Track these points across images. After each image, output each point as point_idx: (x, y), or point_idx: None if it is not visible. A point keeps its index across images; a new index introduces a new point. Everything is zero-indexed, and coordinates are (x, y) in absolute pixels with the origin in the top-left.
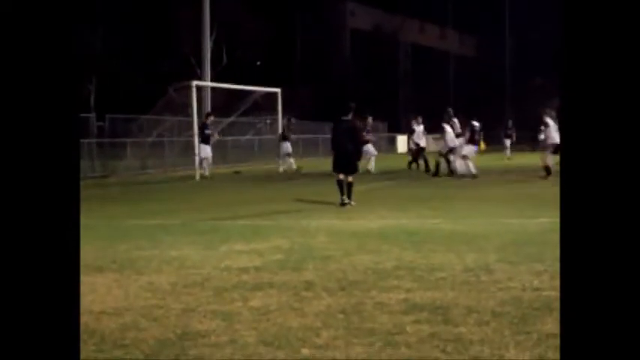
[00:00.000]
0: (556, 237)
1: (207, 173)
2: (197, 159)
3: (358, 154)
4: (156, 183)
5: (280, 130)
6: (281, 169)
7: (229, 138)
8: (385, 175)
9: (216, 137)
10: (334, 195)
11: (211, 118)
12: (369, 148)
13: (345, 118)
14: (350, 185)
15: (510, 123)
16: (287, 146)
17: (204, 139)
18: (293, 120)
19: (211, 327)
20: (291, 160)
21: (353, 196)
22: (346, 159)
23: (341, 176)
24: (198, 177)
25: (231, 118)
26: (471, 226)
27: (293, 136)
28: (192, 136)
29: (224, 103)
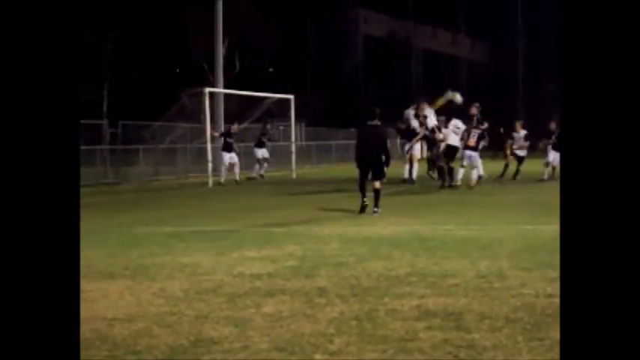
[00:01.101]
0: None
1: (223, 180)
2: (210, 165)
3: (387, 160)
4: (168, 190)
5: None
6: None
7: (242, 145)
8: (397, 181)
9: (236, 150)
10: (346, 201)
11: (236, 126)
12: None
13: (371, 123)
14: (377, 192)
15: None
16: (262, 152)
17: (225, 147)
18: (269, 126)
19: (224, 333)
20: (262, 166)
21: (380, 204)
22: (373, 165)
23: (365, 181)
24: (211, 183)
25: (245, 125)
26: (483, 232)
27: (269, 143)
28: (205, 143)
29: (237, 110)
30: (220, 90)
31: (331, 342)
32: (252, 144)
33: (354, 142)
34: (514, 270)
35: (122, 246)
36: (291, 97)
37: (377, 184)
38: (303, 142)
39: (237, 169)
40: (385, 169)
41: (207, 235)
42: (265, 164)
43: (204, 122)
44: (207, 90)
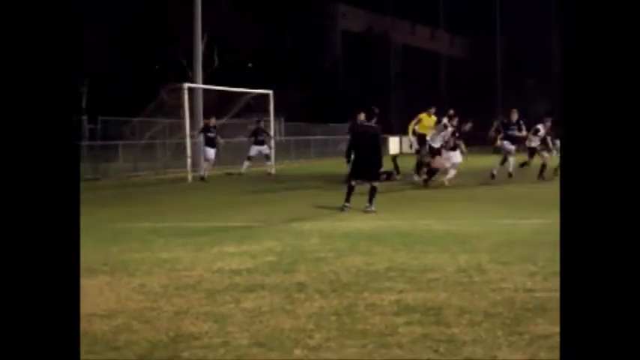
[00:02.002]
0: (548, 238)
1: (206, 175)
2: (189, 161)
3: (380, 162)
4: (148, 185)
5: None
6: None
7: (221, 140)
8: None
9: (221, 142)
10: (326, 197)
11: (213, 120)
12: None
13: (367, 123)
14: (374, 190)
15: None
16: (262, 149)
17: (208, 142)
18: (262, 123)
19: (204, 329)
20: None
21: (374, 202)
22: (367, 166)
23: (353, 182)
24: (190, 179)
25: (224, 120)
26: (463, 226)
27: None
28: (184, 138)
29: (216, 105)
30: (199, 85)
31: (311, 337)
32: (231, 140)
33: (332, 137)
34: (493, 264)
35: (101, 242)
36: (269, 92)
37: (375, 183)
38: (282, 138)
39: (207, 166)
40: (380, 170)
41: (187, 230)
42: (269, 162)
43: (183, 118)
44: (186, 85)
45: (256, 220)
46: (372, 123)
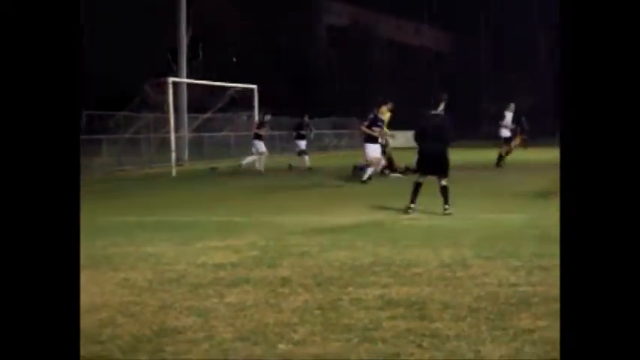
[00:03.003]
0: (531, 232)
1: (262, 168)
2: (173, 155)
3: (446, 155)
4: (132, 180)
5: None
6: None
7: (206, 134)
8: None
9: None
10: (310, 191)
11: (268, 116)
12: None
13: (434, 112)
14: (445, 190)
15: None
16: (302, 144)
17: (258, 136)
18: (306, 118)
19: (188, 323)
20: (303, 157)
21: (450, 201)
22: (436, 159)
23: (421, 180)
24: (174, 173)
25: (208, 114)
26: (446, 221)
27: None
28: (168, 132)
29: (200, 100)
30: (184, 80)
31: (295, 331)
32: (217, 134)
33: (319, 132)
34: (477, 259)
35: (86, 236)
36: (254, 86)
37: (443, 182)
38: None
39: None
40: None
41: (171, 225)
42: (306, 156)
43: (167, 112)
44: (171, 79)
45: (240, 215)
46: (439, 111)
